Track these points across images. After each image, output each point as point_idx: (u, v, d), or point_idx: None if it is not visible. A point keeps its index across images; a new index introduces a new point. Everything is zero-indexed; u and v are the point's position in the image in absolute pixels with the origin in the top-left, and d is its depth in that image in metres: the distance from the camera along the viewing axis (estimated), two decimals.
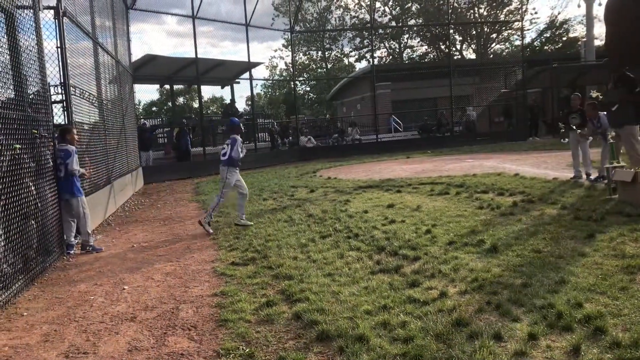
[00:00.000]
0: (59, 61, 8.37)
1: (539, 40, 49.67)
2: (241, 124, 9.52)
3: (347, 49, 52.61)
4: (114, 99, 14.12)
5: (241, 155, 8.92)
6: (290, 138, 26.80)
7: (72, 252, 7.68)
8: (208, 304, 4.95)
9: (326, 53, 53.81)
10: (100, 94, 11.83)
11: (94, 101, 11.10)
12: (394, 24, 48.26)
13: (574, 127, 10.67)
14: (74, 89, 9.03)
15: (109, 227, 9.84)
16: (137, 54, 19.66)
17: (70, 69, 8.80)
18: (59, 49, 8.40)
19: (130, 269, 6.59)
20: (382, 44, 50.38)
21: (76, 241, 7.95)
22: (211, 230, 8.45)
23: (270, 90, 59.29)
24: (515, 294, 4.44)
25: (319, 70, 55.06)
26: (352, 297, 4.74)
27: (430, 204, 9.39)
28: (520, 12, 38.29)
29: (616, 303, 4.12)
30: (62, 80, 8.44)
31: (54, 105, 8.32)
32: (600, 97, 8.95)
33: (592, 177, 10.41)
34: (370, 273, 5.47)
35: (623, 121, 8.99)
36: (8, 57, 6.23)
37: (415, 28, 48.21)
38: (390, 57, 51.68)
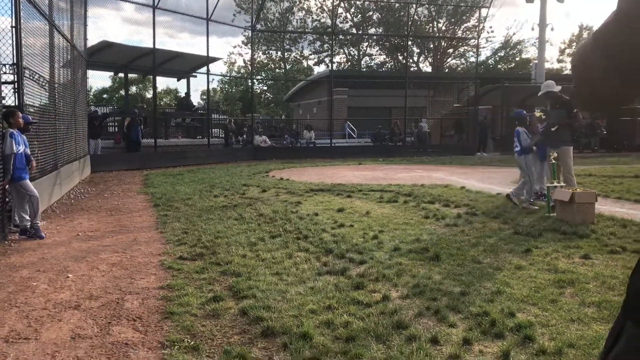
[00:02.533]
0: (12, 41, 8.15)
1: (493, 59, 51.23)
2: (524, 114, 10.30)
3: (306, 52, 52.84)
4: (66, 84, 13.79)
5: (529, 142, 9.76)
6: (245, 136, 26.72)
7: (21, 236, 7.52)
8: (154, 296, 4.96)
9: (286, 54, 53.86)
10: (53, 77, 11.55)
11: (45, 84, 10.84)
12: (354, 31, 48.78)
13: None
14: (25, 71, 8.80)
15: (54, 214, 9.63)
16: (91, 39, 19.27)
17: (24, 49, 8.58)
18: (13, 29, 8.19)
19: (75, 257, 6.50)
20: (342, 50, 50.86)
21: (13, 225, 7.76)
22: (537, 207, 9.42)
23: (227, 86, 58.83)
24: (454, 301, 4.65)
25: (278, 70, 55.04)
26: (298, 296, 4.85)
27: (378, 210, 9.62)
28: (477, 29, 39.49)
29: (545, 314, 4.38)
30: (15, 61, 8.22)
31: (3, 86, 8.11)
32: (543, 116, 9.51)
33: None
34: (317, 274, 5.59)
35: (559, 142, 9.52)
36: None
37: (375, 37, 48.92)
38: (349, 63, 52.18)
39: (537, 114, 9.70)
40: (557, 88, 9.75)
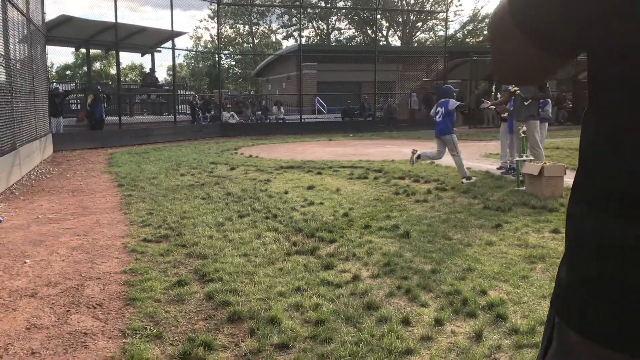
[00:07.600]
0: None
1: (461, 33, 51.22)
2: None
3: (274, 26, 52.05)
4: (23, 60, 13.23)
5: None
6: (212, 113, 26.25)
7: None
8: (116, 282, 4.76)
9: (253, 28, 52.95)
10: (8, 53, 11.03)
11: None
12: (323, 4, 48.17)
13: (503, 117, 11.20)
14: None
15: (13, 195, 9.26)
16: (50, 13, 18.59)
17: None
18: None
19: (34, 241, 6.22)
20: (311, 24, 50.24)
21: None
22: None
23: (193, 61, 57.67)
24: (425, 280, 4.57)
25: (245, 45, 54.15)
26: (266, 278, 4.71)
27: (349, 187, 9.51)
28: (445, 3, 39.35)
29: (517, 291, 4.33)
30: None
31: None
32: (518, 91, 9.46)
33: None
34: (286, 254, 5.46)
35: (527, 116, 9.57)
36: None
37: (343, 10, 48.40)
38: (318, 37, 51.63)
39: (512, 88, 9.60)
40: None
